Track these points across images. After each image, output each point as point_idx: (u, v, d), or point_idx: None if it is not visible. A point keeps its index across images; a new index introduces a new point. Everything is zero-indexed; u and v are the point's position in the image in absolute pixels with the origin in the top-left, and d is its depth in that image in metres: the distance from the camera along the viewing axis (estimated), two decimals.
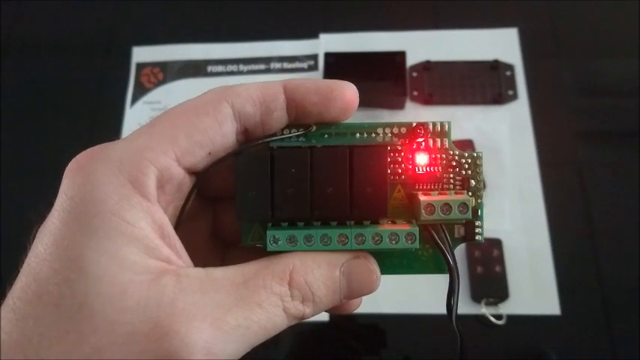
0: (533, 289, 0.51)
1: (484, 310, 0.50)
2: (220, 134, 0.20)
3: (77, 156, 0.19)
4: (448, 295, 0.21)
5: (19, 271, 0.18)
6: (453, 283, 0.21)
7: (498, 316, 0.50)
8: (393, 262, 0.22)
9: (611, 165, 0.57)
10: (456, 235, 0.22)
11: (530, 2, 0.65)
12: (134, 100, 0.63)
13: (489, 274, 0.51)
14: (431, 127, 0.22)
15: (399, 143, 0.22)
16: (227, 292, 0.18)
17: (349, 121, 0.22)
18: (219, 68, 0.64)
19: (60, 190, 0.18)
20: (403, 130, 0.22)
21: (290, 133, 0.21)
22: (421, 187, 0.22)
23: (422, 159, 0.22)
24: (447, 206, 0.20)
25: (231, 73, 0.64)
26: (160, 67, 0.65)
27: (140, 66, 0.65)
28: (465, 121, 0.58)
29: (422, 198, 0.20)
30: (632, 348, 0.48)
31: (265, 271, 0.19)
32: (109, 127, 0.62)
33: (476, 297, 0.50)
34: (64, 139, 0.61)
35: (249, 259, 0.19)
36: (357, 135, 0.22)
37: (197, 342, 0.16)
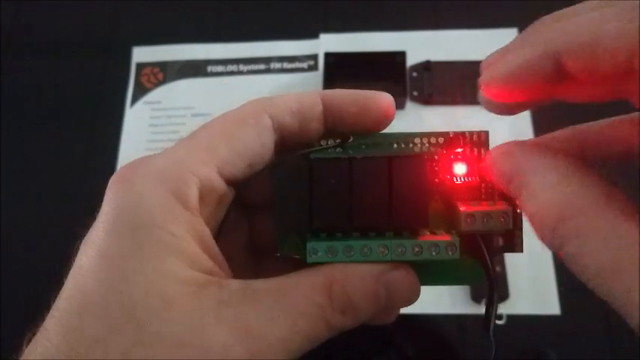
0: (533, 289, 0.51)
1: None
2: (260, 145, 0.20)
3: (120, 168, 0.19)
4: (487, 306, 0.21)
5: (63, 283, 0.18)
6: (492, 295, 0.21)
7: (498, 316, 0.50)
8: (430, 273, 0.21)
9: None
10: (495, 245, 0.22)
11: (530, 2, 0.65)
12: (134, 100, 0.63)
13: None
14: (468, 136, 0.22)
15: (438, 153, 0.21)
16: (269, 304, 0.18)
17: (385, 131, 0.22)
18: (219, 68, 0.64)
19: (103, 202, 0.19)
20: (440, 140, 0.22)
21: (327, 144, 0.21)
22: (460, 197, 0.21)
23: (460, 169, 0.21)
24: (487, 216, 0.20)
25: (231, 73, 0.63)
26: (159, 67, 0.65)
27: (140, 66, 0.65)
28: (465, 121, 0.58)
29: (462, 208, 0.20)
30: (632, 348, 0.48)
31: (306, 282, 0.19)
32: (109, 127, 0.62)
33: (476, 297, 0.50)
34: (64, 139, 0.61)
35: (284, 270, 0.19)
36: (395, 145, 0.22)
37: (241, 354, 0.17)
